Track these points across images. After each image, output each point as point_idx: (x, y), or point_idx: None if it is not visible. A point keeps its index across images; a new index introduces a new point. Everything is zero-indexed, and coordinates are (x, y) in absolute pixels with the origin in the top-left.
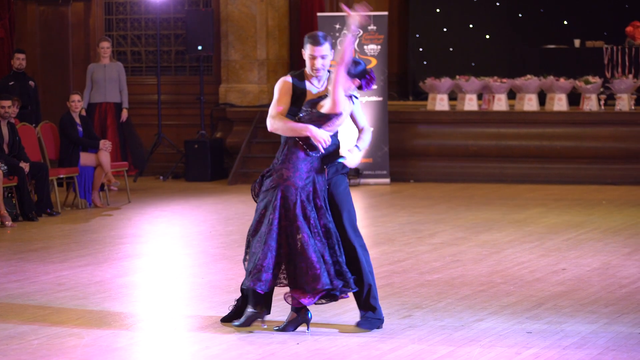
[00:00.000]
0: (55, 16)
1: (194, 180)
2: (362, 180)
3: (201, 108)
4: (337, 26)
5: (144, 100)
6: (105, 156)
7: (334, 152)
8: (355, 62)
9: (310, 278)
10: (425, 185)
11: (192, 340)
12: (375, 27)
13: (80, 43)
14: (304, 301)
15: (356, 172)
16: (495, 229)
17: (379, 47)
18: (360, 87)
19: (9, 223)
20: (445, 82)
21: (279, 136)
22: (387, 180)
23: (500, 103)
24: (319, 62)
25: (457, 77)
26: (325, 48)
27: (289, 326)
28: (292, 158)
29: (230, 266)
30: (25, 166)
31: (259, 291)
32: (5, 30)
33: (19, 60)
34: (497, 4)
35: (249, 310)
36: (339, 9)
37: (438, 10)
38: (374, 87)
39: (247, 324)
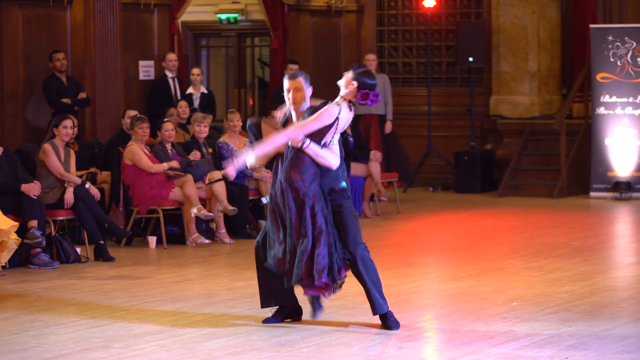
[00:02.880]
0: (328, 27)
1: (464, 192)
2: (634, 195)
3: (471, 119)
4: (610, 38)
5: (414, 111)
6: (375, 167)
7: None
8: (371, 75)
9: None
10: None
11: (457, 354)
12: None
13: (352, 54)
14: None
15: (627, 186)
16: None
17: None
18: (363, 98)
19: None
20: None
21: (550, 148)
22: None
23: None
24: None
25: None
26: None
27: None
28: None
29: (498, 279)
30: None
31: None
32: (279, 41)
33: (292, 71)
34: None
35: None
36: (612, 21)
37: None
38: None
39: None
